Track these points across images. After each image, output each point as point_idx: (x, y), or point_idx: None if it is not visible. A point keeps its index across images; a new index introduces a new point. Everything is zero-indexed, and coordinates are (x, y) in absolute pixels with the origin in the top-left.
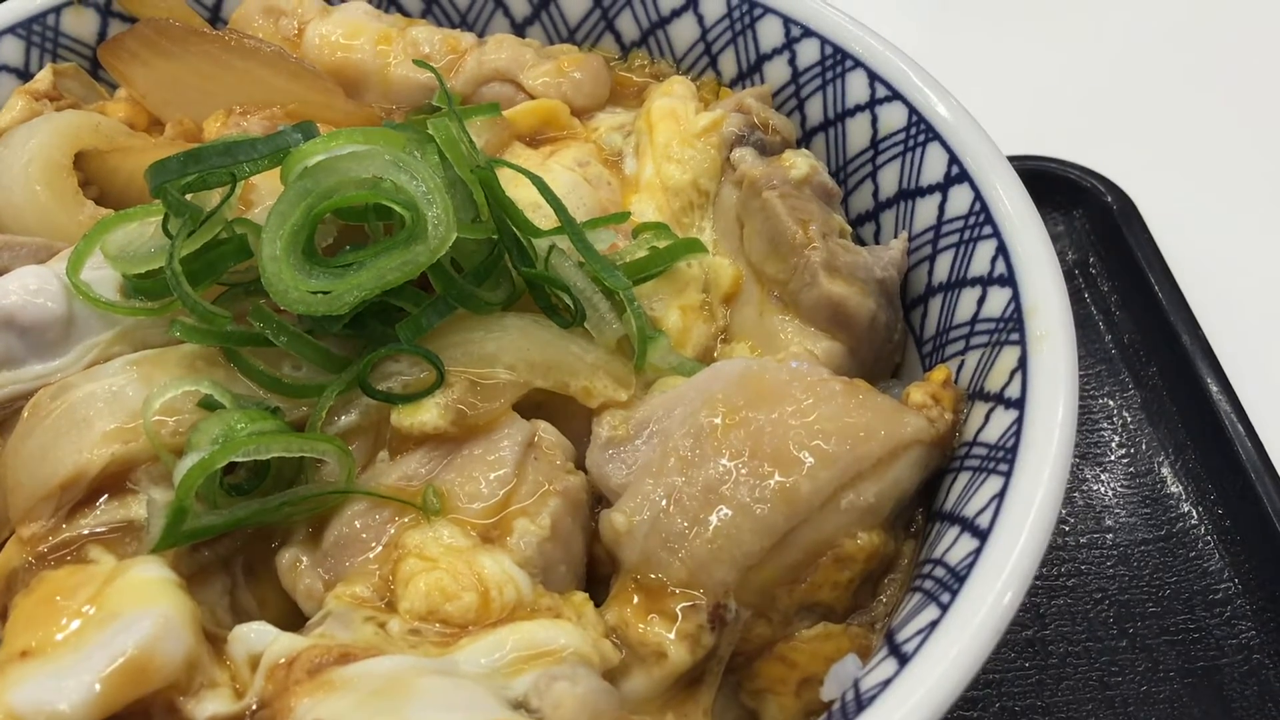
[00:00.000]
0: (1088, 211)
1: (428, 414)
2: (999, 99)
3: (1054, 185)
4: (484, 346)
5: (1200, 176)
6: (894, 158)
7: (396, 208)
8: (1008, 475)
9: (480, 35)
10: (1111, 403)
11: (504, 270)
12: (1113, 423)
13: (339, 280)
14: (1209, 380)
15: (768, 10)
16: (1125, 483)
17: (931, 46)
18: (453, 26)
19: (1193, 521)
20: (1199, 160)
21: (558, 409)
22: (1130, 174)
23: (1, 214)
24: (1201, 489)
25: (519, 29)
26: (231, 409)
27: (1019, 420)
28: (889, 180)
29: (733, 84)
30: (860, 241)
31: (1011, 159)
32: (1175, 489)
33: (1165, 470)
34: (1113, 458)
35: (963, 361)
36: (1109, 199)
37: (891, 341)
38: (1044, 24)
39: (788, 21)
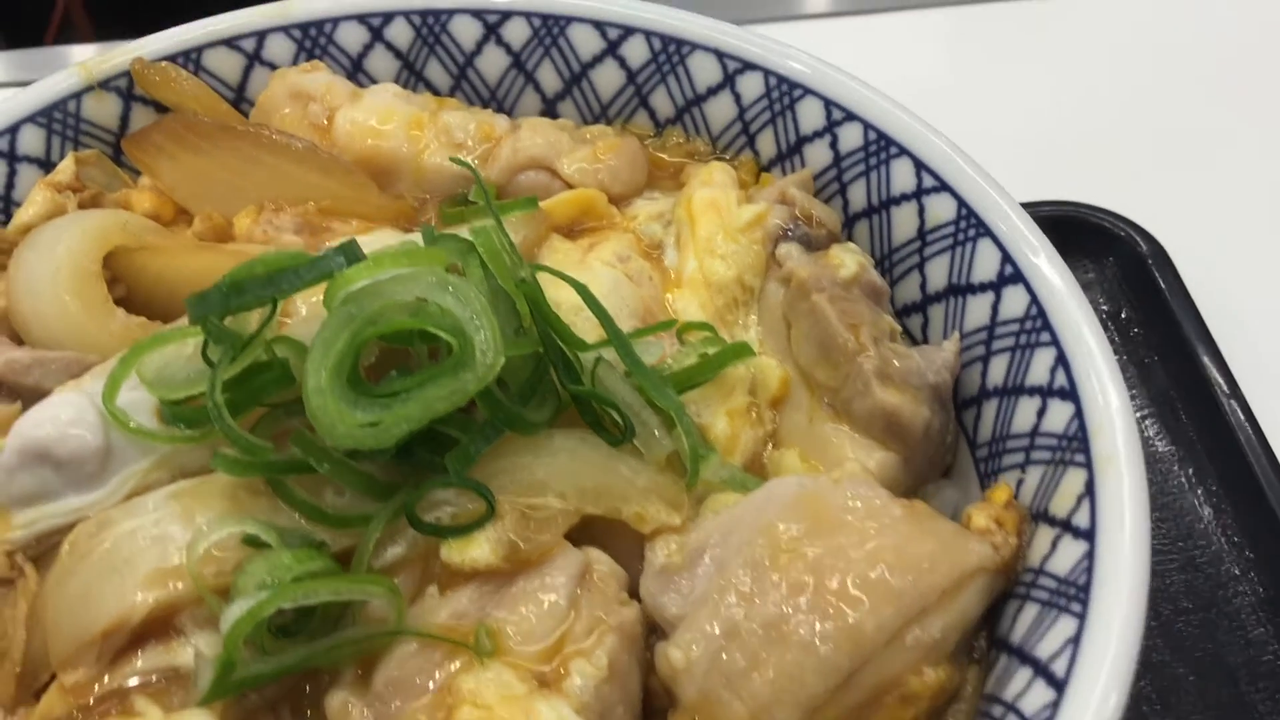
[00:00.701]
0: (1119, 260)
1: (479, 550)
2: (1017, 137)
3: (1084, 232)
4: (534, 473)
5: (1227, 218)
6: (943, 251)
7: (442, 334)
8: (1082, 618)
9: (510, 112)
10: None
11: (549, 386)
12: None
13: (386, 412)
14: (1246, 438)
15: (808, 92)
16: (1163, 544)
17: (945, 82)
18: (482, 102)
19: (1233, 587)
20: (1225, 201)
21: (606, 527)
22: (1156, 216)
23: (28, 323)
24: (1240, 553)
25: (550, 104)
26: (278, 548)
27: (1090, 555)
28: (938, 274)
29: (771, 165)
30: (908, 335)
31: (1039, 204)
32: (1214, 548)
33: (1204, 531)
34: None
35: (1023, 478)
36: (1143, 248)
37: (944, 444)
38: (1060, 60)
39: (829, 104)
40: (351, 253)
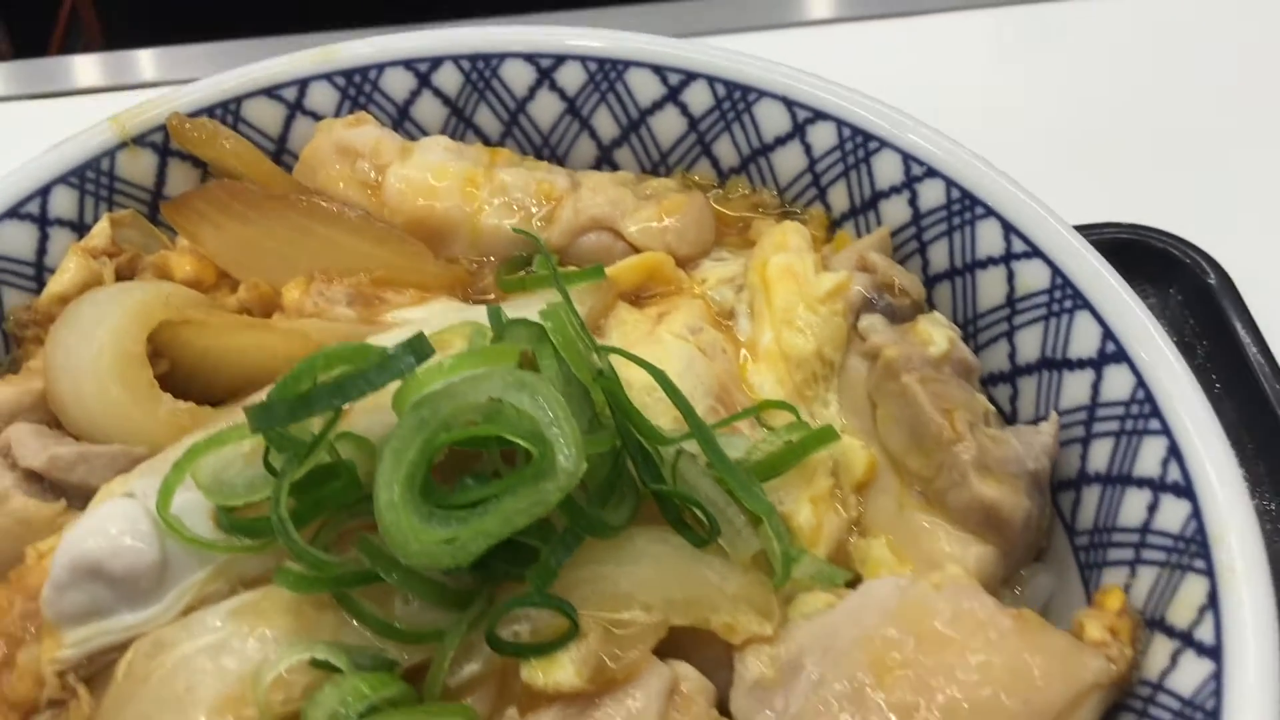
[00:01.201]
0: (1184, 287)
1: (563, 672)
2: (1062, 150)
3: (1147, 257)
4: (618, 584)
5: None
6: (1035, 321)
7: (521, 442)
8: None
9: (564, 159)
10: None
11: (628, 482)
12: None
13: (462, 527)
14: None
15: (885, 144)
16: None
17: (978, 88)
18: (535, 150)
19: None
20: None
21: (689, 634)
22: (1220, 240)
23: (67, 408)
24: None
25: (606, 152)
26: (348, 672)
27: (1218, 676)
28: (1029, 345)
29: (843, 219)
30: (996, 406)
31: (1098, 226)
32: None
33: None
34: None
35: (1132, 580)
36: (1210, 277)
37: (1041, 530)
38: (1105, 64)
39: (908, 158)
40: (421, 349)
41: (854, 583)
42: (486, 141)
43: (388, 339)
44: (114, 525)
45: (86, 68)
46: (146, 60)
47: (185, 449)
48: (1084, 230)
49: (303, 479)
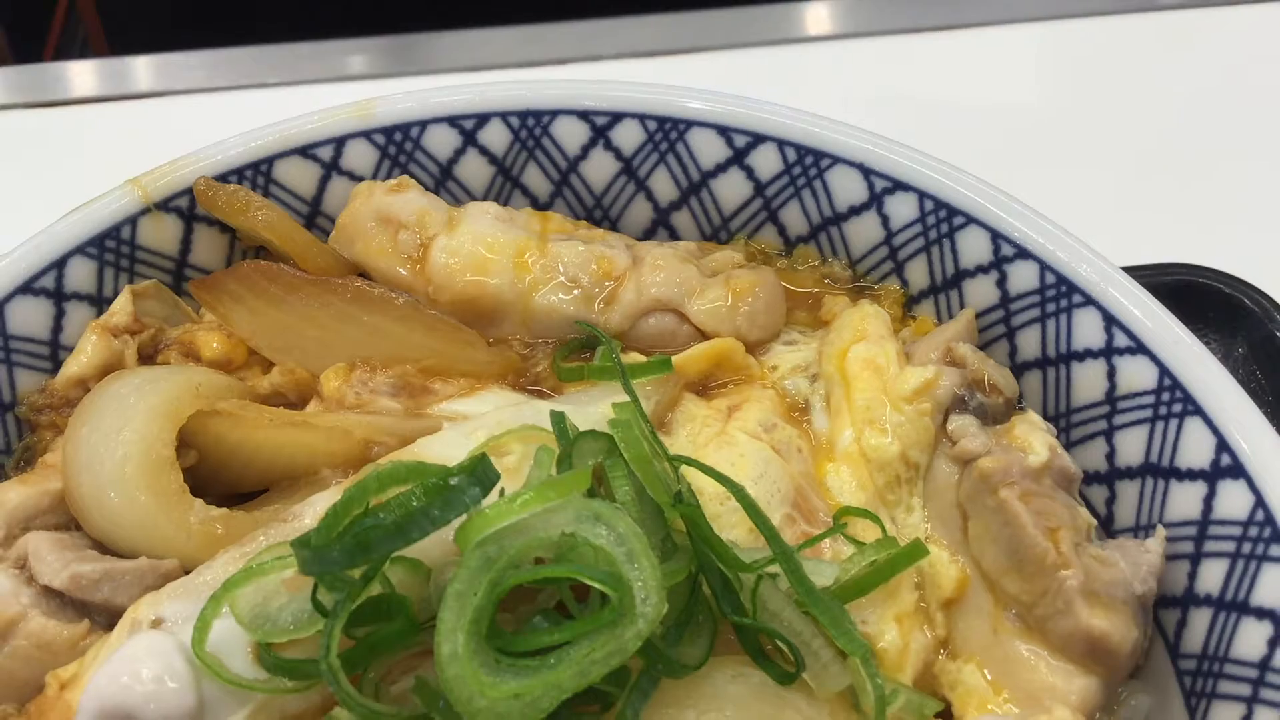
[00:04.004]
0: (1250, 335)
1: None
2: (1111, 184)
3: (1211, 303)
4: None
5: None
6: (1139, 423)
7: (596, 585)
8: None
9: (616, 223)
10: None
11: (705, 612)
12: None
13: (533, 678)
14: None
15: (971, 220)
16: None
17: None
18: (586, 211)
19: None
20: None
21: None
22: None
23: (88, 512)
24: None
25: (662, 215)
26: None
27: None
28: (1131, 448)
29: (921, 297)
30: (1092, 511)
31: (1149, 268)
32: None
33: None
34: None
35: (1249, 717)
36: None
37: (1142, 652)
38: (1160, 88)
39: (997, 237)
40: (486, 476)
41: (944, 712)
42: (534, 203)
43: (442, 444)
44: (147, 667)
45: (84, 75)
46: (144, 68)
47: (222, 581)
48: (1136, 271)
49: (354, 618)
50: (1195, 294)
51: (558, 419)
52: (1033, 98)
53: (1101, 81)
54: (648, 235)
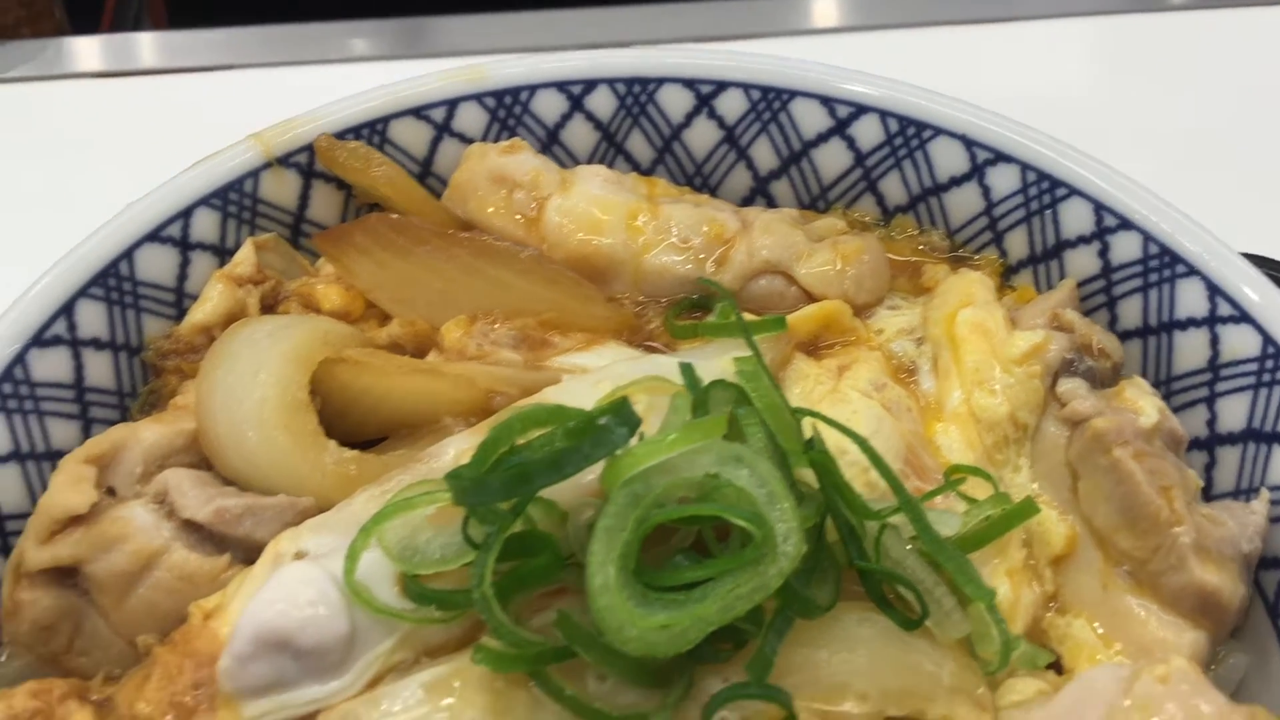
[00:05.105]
0: None
1: None
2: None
3: None
4: (833, 672)
5: None
6: (1242, 389)
7: (740, 523)
8: None
9: (715, 190)
10: None
11: (829, 557)
12: None
13: (680, 611)
14: None
15: (1074, 192)
16: None
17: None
18: (686, 178)
19: None
20: None
21: None
22: None
23: (224, 453)
24: None
25: (761, 184)
26: None
27: None
28: (1233, 414)
29: (1019, 266)
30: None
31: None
32: None
33: None
34: None
35: None
36: None
37: (1244, 612)
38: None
39: (1100, 208)
40: (629, 418)
41: (1053, 664)
42: (636, 169)
43: (568, 394)
44: (303, 593)
45: (144, 47)
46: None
47: (365, 517)
48: None
49: (503, 551)
50: None
51: (687, 369)
52: (1082, 91)
53: (1145, 76)
54: (745, 203)
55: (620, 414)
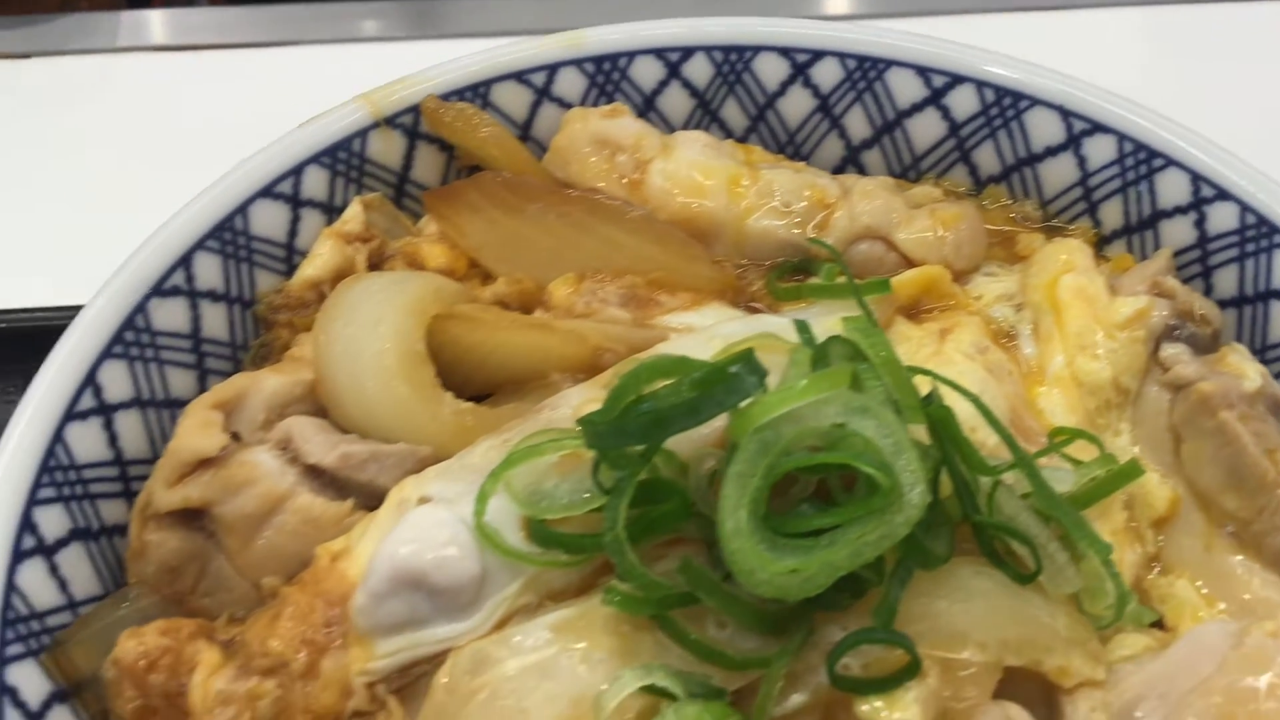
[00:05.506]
0: None
1: (907, 712)
2: None
3: None
4: (953, 621)
5: None
6: None
7: (868, 470)
8: None
9: (807, 159)
10: None
11: (943, 512)
12: None
13: (809, 557)
14: None
15: (1171, 163)
16: None
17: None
18: (779, 146)
19: None
20: None
21: (1005, 674)
22: None
23: (344, 403)
24: None
25: (853, 153)
26: (684, 700)
27: None
28: None
29: (1113, 237)
30: None
31: None
32: None
33: None
34: None
35: None
36: None
37: None
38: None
39: (1197, 179)
40: (756, 368)
41: (1157, 623)
42: (730, 136)
43: (683, 348)
44: (437, 534)
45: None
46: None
47: (487, 464)
48: None
49: (633, 497)
50: None
51: (803, 326)
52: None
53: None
54: (836, 172)
55: (749, 363)
